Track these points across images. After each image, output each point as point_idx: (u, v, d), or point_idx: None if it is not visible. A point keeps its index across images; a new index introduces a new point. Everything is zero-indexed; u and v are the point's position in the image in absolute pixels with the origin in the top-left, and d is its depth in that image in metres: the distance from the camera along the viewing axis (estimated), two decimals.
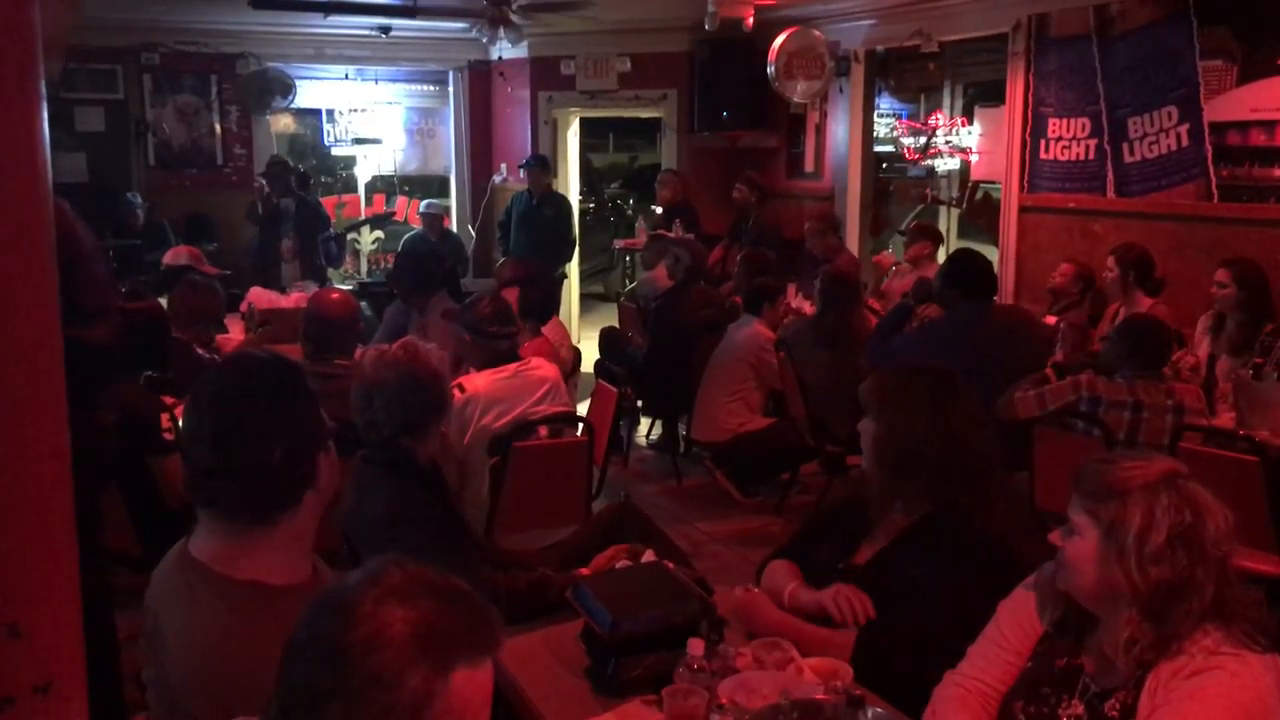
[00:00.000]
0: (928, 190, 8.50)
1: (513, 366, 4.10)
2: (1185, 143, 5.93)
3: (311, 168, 10.94)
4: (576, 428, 4.22)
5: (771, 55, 7.87)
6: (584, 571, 2.69)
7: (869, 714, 1.71)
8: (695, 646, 2.08)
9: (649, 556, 2.73)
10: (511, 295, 4.93)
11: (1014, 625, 2.05)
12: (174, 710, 1.67)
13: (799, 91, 8.00)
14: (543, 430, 4.06)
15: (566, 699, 2.22)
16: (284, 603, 1.67)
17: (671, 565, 2.56)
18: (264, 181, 8.60)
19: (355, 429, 2.82)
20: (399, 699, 1.18)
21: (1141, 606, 1.78)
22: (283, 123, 11.04)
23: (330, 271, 9.10)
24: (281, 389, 1.81)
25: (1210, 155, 5.81)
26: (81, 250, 2.73)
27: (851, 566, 2.51)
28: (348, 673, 1.19)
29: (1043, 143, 6.82)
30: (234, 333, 6.33)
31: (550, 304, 5.81)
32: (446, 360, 3.05)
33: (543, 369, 4.20)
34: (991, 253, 7.00)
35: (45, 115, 1.13)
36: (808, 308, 6.50)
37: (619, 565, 2.71)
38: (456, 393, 3.95)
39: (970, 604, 2.15)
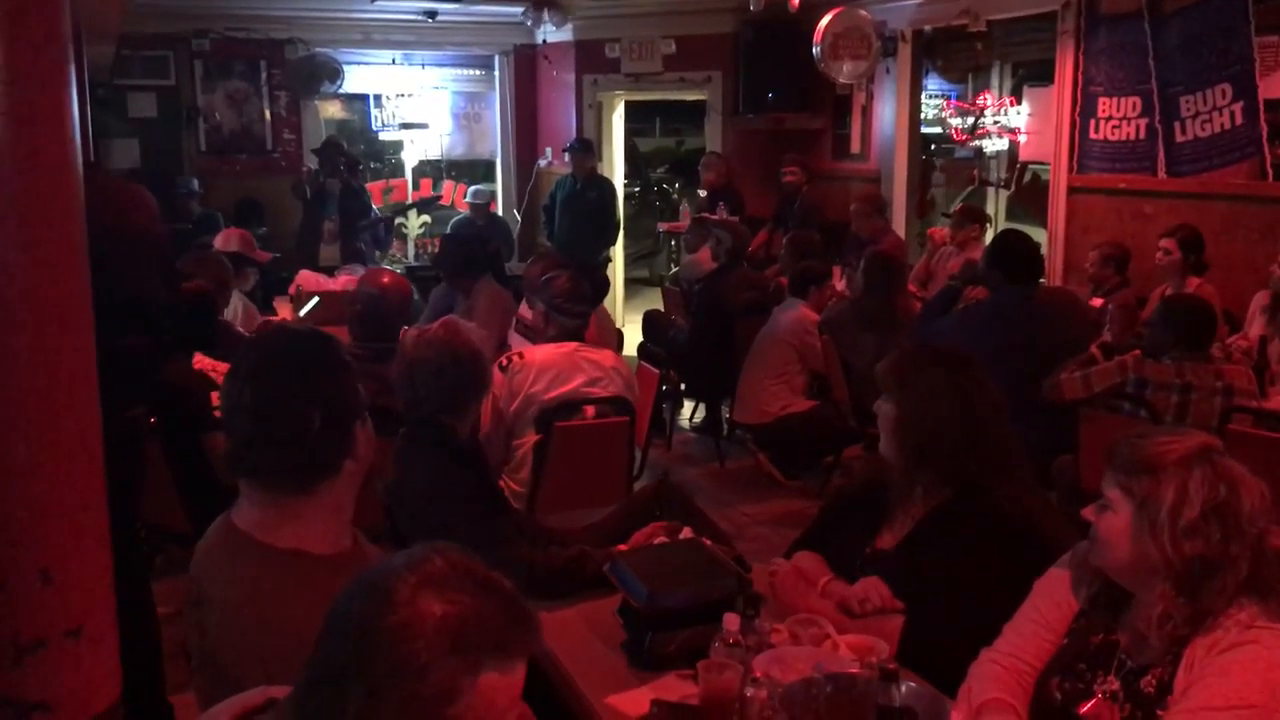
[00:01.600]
0: (975, 171, 8.41)
1: (573, 345, 4.13)
2: (1239, 121, 5.82)
3: (359, 153, 11.03)
4: (626, 414, 4.22)
5: (817, 36, 7.81)
6: (622, 548, 2.70)
7: (901, 688, 1.71)
8: (731, 621, 2.08)
9: (687, 534, 2.74)
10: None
11: (1049, 602, 2.04)
12: (219, 679, 1.70)
13: (845, 72, 7.93)
14: (589, 411, 4.08)
15: (603, 673, 2.24)
16: (325, 571, 1.70)
17: (709, 542, 2.57)
18: (314, 162, 8.69)
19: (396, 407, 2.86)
20: (421, 690, 1.17)
21: (1175, 582, 1.77)
22: (331, 108, 11.14)
23: (377, 255, 9.19)
24: (318, 360, 1.84)
25: (1265, 134, 5.70)
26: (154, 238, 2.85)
27: (877, 552, 2.51)
28: (375, 656, 1.18)
29: (1092, 122, 6.72)
30: (282, 314, 6.42)
31: (600, 291, 5.82)
32: (487, 339, 3.07)
33: (603, 353, 4.24)
34: (1040, 235, 6.92)
35: (75, 100, 1.15)
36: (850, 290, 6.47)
37: (657, 542, 2.72)
38: (516, 359, 4.01)
39: (999, 585, 2.14)
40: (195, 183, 9.11)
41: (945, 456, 2.39)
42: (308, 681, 1.24)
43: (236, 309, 5.79)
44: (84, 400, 0.90)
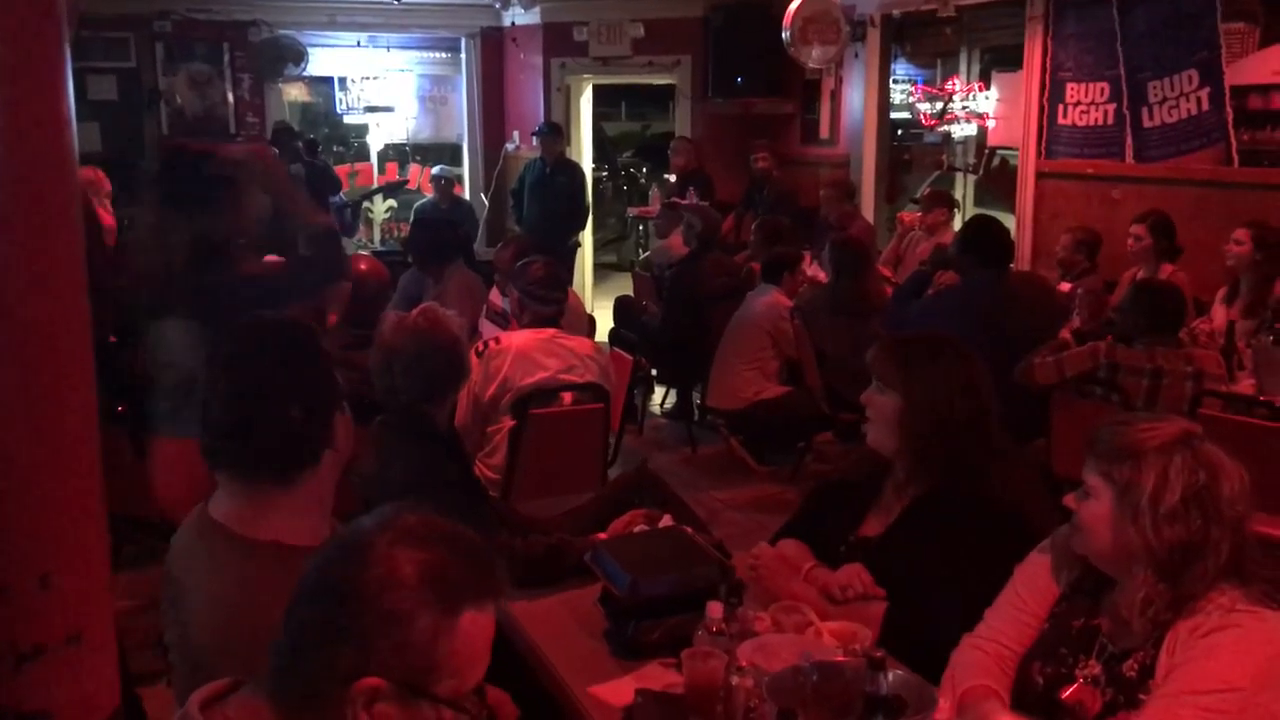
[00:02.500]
0: (944, 157, 8.43)
1: (550, 331, 4.12)
2: (1206, 107, 5.87)
3: (324, 136, 10.91)
4: (602, 400, 4.21)
5: (786, 20, 7.79)
6: (601, 536, 2.69)
7: (889, 676, 1.71)
8: (714, 609, 2.07)
9: (666, 522, 2.73)
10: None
11: (1031, 588, 2.05)
12: (197, 672, 1.67)
13: (814, 57, 7.92)
14: (567, 397, 4.07)
15: (586, 662, 2.23)
16: (305, 564, 1.68)
17: (690, 530, 2.56)
18: (274, 150, 8.59)
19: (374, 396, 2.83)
20: (410, 637, 1.23)
21: (1156, 567, 1.78)
22: (295, 91, 11.01)
23: (344, 240, 9.09)
24: (296, 349, 1.82)
25: (1231, 119, 5.75)
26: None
27: (861, 539, 2.51)
28: (361, 609, 1.23)
29: (1061, 108, 6.76)
30: None
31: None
32: (465, 328, 3.04)
33: (580, 340, 4.23)
34: (1008, 220, 6.95)
35: (70, 86, 1.13)
36: (823, 276, 6.47)
37: (636, 530, 2.71)
38: (493, 345, 4.01)
39: (984, 572, 2.14)
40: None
41: (952, 445, 2.38)
42: (291, 649, 1.27)
43: None
44: (82, 404, 0.88)
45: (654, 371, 6.99)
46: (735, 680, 1.88)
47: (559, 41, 9.76)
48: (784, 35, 7.80)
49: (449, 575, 1.27)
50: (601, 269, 11.77)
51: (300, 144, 8.69)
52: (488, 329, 4.96)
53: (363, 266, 4.39)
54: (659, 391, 7.44)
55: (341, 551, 1.29)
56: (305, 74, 10.04)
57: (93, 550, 0.89)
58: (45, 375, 0.89)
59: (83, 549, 0.88)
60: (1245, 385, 4.30)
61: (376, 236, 10.81)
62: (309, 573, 1.30)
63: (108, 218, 6.42)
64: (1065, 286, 5.78)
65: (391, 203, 11.03)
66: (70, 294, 0.93)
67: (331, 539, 1.33)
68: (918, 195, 7.70)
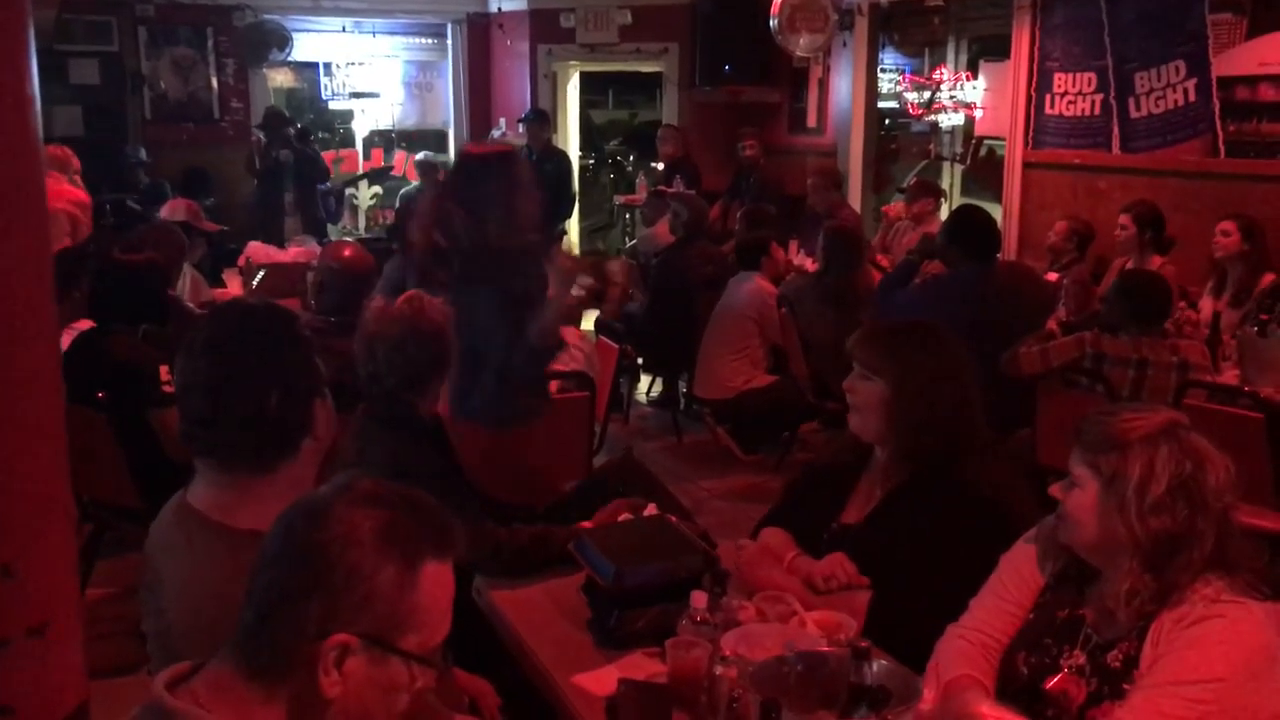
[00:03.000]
0: (931, 146, 8.42)
1: None
2: (1193, 98, 5.87)
3: (309, 122, 10.84)
4: (586, 389, 4.20)
5: (774, 8, 7.77)
6: (586, 525, 2.67)
7: (873, 666, 1.70)
8: (698, 599, 2.07)
9: (651, 511, 2.72)
10: None
11: (1015, 577, 2.04)
12: (171, 658, 1.65)
13: (802, 45, 7.90)
14: (552, 386, 4.05)
15: (569, 651, 2.22)
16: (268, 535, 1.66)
17: (674, 519, 2.55)
18: (261, 134, 8.53)
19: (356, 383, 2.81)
20: (375, 590, 1.28)
21: (1142, 558, 1.78)
22: (280, 76, 10.93)
23: (329, 227, 9.05)
24: (275, 336, 1.79)
25: (1218, 110, 5.76)
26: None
27: (842, 527, 2.50)
28: (324, 567, 1.27)
29: (1048, 98, 6.76)
30: (232, 287, 6.30)
31: None
32: (451, 315, 3.02)
33: (566, 330, 4.21)
34: (995, 209, 6.95)
35: (35, 71, 1.10)
36: (810, 264, 6.46)
37: (621, 519, 2.70)
38: None
39: (966, 559, 2.14)
40: (143, 152, 8.91)
41: (938, 433, 2.37)
42: (257, 616, 1.30)
43: (184, 281, 5.67)
44: (48, 391, 0.85)
45: (640, 360, 6.97)
46: (719, 670, 1.87)
47: (546, 28, 9.71)
48: (772, 23, 7.79)
49: (407, 530, 1.31)
50: (588, 257, 11.73)
51: (291, 130, 8.63)
52: None
53: (346, 253, 4.35)
54: (645, 380, 7.43)
55: (301, 516, 1.32)
56: (290, 59, 9.96)
57: (58, 539, 0.86)
58: (10, 363, 0.87)
59: (47, 538, 0.85)
60: (1230, 376, 4.30)
61: (361, 223, 10.75)
62: (270, 540, 1.33)
63: (81, 194, 6.36)
64: (1052, 276, 5.78)
65: (377, 189, 10.97)
66: (35, 281, 0.90)
67: (290, 507, 1.36)
68: (904, 185, 7.69)
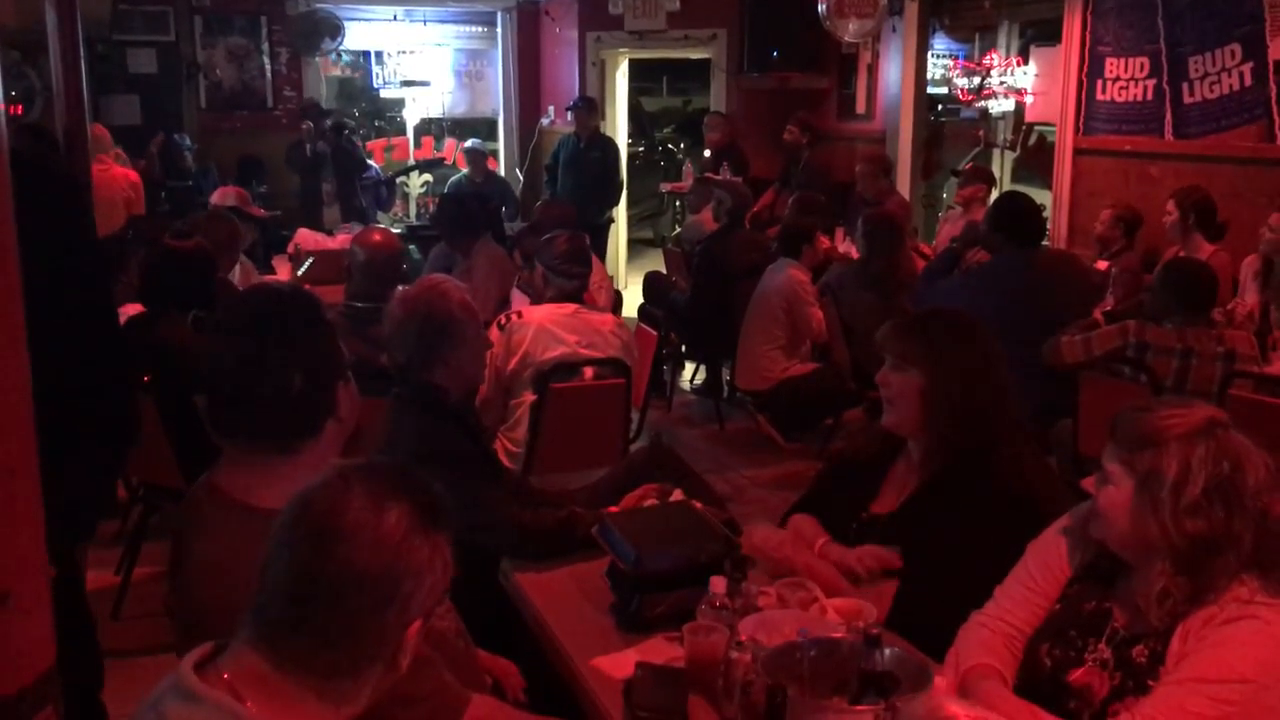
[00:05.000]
0: (981, 132, 8.31)
1: (572, 307, 4.11)
2: (1248, 82, 5.73)
3: (361, 110, 10.96)
4: (623, 376, 4.20)
5: None
6: (613, 510, 2.69)
7: (885, 652, 1.70)
8: (718, 584, 2.07)
9: (677, 496, 2.73)
10: None
11: (1043, 568, 2.02)
12: (192, 636, 1.69)
13: (851, 31, 7.81)
14: (589, 372, 4.07)
15: (591, 634, 2.24)
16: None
17: (699, 505, 2.56)
18: (310, 124, 8.64)
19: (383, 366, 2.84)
20: (426, 574, 1.36)
21: (1176, 559, 1.73)
22: (332, 65, 11.04)
23: (380, 215, 9.14)
24: (299, 318, 1.82)
25: (1274, 95, 5.61)
26: None
27: (873, 516, 2.49)
28: (388, 582, 1.33)
29: (1100, 83, 6.63)
30: (281, 273, 6.40)
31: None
32: (487, 298, 3.05)
33: (603, 317, 4.23)
34: (1045, 197, 6.84)
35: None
36: (855, 252, 6.41)
37: (647, 504, 2.71)
38: (515, 318, 4.02)
39: (997, 553, 2.12)
40: (186, 140, 9.05)
41: (974, 424, 2.35)
42: (291, 599, 1.33)
43: (236, 268, 5.76)
44: (11, 358, 0.86)
45: (683, 348, 6.97)
46: (735, 655, 1.87)
47: (594, 15, 9.71)
48: (820, 9, 7.71)
49: (426, 509, 1.38)
50: (638, 244, 11.74)
51: (328, 123, 8.73)
52: (518, 300, 4.96)
53: (376, 238, 4.39)
54: (689, 367, 7.43)
55: (311, 504, 1.36)
56: (342, 48, 10.06)
57: (22, 507, 0.87)
58: None
59: (12, 506, 0.86)
60: (1279, 367, 4.22)
61: (413, 211, 10.84)
62: (284, 525, 1.37)
63: (132, 173, 6.47)
64: (1102, 265, 5.69)
65: (427, 177, 11.05)
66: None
67: (297, 499, 1.39)
68: (958, 169, 7.58)
